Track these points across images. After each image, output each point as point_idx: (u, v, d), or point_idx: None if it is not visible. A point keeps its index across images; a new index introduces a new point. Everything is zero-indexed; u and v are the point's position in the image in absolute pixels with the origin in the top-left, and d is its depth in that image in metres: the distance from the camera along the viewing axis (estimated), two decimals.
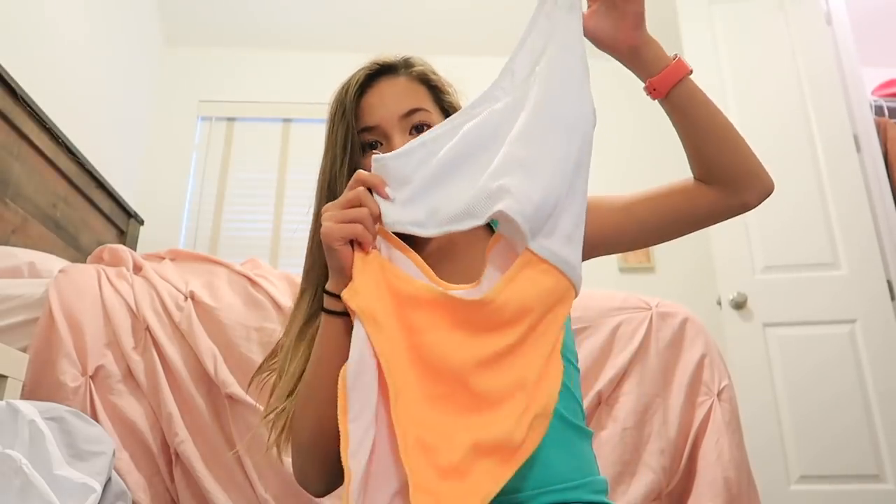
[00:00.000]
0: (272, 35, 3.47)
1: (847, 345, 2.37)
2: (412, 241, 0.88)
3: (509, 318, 0.66)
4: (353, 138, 0.84)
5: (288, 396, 0.80)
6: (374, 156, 0.73)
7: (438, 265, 0.85)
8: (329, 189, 0.85)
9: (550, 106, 0.72)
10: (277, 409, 0.80)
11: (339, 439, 0.73)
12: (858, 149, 2.61)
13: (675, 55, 0.79)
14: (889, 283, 2.43)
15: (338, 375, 0.73)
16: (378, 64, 0.88)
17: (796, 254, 2.50)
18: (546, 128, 0.71)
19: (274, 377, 0.87)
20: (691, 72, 0.78)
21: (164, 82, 3.41)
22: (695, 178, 0.83)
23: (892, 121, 2.92)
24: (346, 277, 0.72)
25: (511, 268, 0.68)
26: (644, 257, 3.25)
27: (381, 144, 0.85)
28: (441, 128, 0.74)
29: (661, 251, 3.26)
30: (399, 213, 0.72)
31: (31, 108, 2.08)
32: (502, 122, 0.73)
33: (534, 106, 0.72)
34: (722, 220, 0.85)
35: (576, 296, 0.70)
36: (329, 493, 0.79)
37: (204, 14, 3.41)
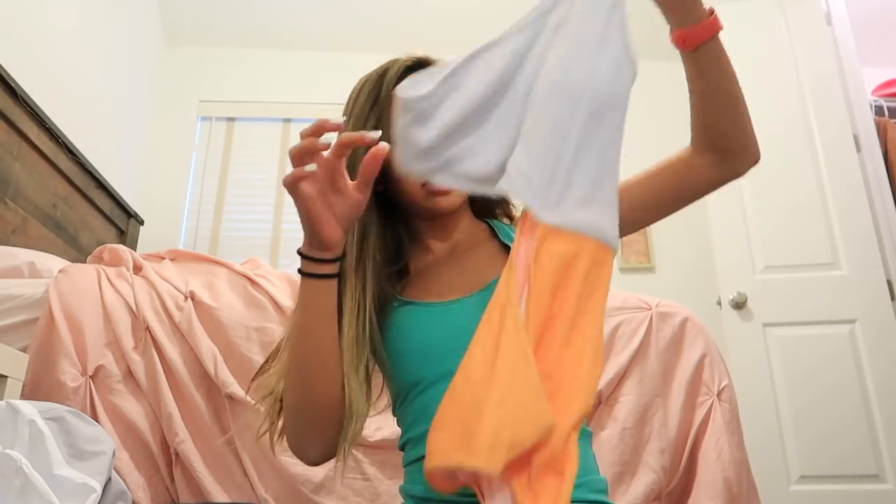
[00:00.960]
0: (272, 35, 3.47)
1: (847, 345, 2.37)
2: (422, 248, 0.87)
3: (548, 295, 0.63)
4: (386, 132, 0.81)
5: (279, 381, 0.78)
6: (396, 91, 0.69)
7: (445, 268, 0.85)
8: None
9: (559, 65, 0.69)
10: (266, 394, 0.79)
11: (328, 404, 0.73)
12: (858, 149, 2.61)
13: (711, 10, 0.76)
14: (889, 283, 2.43)
15: (325, 342, 0.73)
16: (416, 58, 0.85)
17: (796, 254, 2.50)
18: (549, 93, 0.68)
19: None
20: (721, 29, 0.77)
21: (164, 82, 3.41)
22: (692, 143, 0.83)
23: (892, 121, 2.92)
24: (317, 235, 0.69)
25: (533, 249, 0.65)
26: (644, 257, 3.25)
27: None
28: (458, 61, 0.70)
29: (661, 251, 3.26)
30: (415, 160, 0.69)
31: (31, 108, 2.08)
32: (515, 64, 0.70)
33: (542, 63, 0.69)
34: (712, 190, 0.86)
35: (613, 254, 0.68)
36: (325, 460, 0.78)
37: (204, 14, 3.41)
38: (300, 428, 0.76)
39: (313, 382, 0.73)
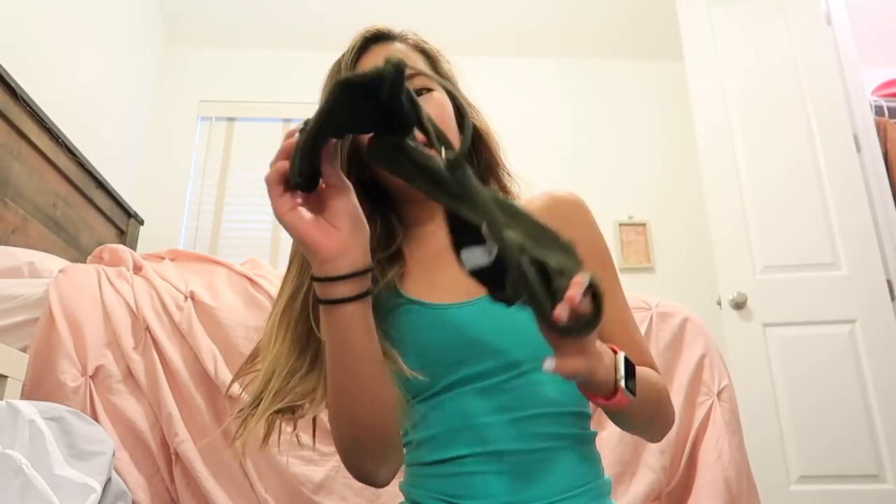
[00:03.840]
0: (272, 35, 3.47)
1: (847, 345, 2.37)
2: (419, 235, 0.83)
3: None
4: None
5: (268, 382, 0.72)
6: None
7: (447, 261, 0.79)
8: None
9: None
10: (253, 399, 0.73)
11: (384, 434, 0.69)
12: (858, 149, 2.61)
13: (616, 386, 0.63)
14: (889, 283, 2.43)
15: (366, 365, 0.65)
16: (376, 30, 0.85)
17: (796, 254, 2.50)
18: None
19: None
20: (627, 403, 0.64)
21: (164, 82, 3.41)
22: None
23: (892, 121, 2.92)
24: (313, 251, 0.60)
25: None
26: (644, 257, 3.25)
27: None
28: None
29: (661, 251, 3.26)
30: None
31: (31, 108, 2.08)
32: None
33: None
34: None
35: None
36: (393, 477, 0.76)
37: (204, 14, 3.41)
38: (363, 460, 0.72)
39: (361, 409, 0.67)
